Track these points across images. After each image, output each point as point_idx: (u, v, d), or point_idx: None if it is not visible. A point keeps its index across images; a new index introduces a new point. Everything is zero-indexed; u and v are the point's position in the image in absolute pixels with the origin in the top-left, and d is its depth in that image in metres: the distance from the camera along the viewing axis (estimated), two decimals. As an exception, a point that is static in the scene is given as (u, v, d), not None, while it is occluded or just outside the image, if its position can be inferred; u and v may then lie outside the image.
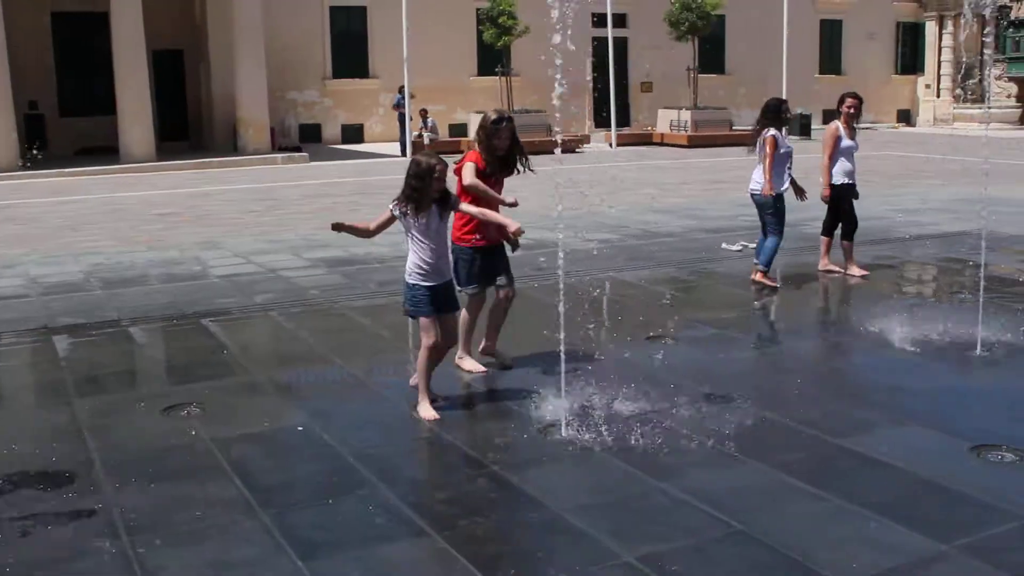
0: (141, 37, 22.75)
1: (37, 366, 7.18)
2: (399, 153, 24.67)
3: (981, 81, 35.52)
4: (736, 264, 10.09)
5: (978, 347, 6.82)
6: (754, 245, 9.65)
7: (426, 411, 5.65)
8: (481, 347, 6.62)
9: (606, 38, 26.30)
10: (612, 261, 10.23)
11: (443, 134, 27.22)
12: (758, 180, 8.94)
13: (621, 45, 30.17)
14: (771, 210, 8.96)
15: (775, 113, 8.94)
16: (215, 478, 4.86)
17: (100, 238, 12.82)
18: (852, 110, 9.29)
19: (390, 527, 4.31)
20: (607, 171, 20.14)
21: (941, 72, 37.37)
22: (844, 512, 4.37)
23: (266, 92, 25.03)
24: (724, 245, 11.13)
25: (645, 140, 28.74)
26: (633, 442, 5.16)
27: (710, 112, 28.66)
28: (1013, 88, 35.81)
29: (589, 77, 27.80)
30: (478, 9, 27.84)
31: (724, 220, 13.07)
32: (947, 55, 37.14)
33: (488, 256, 6.31)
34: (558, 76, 5.39)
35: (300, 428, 5.58)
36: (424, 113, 26.01)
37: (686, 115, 28.22)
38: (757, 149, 8.99)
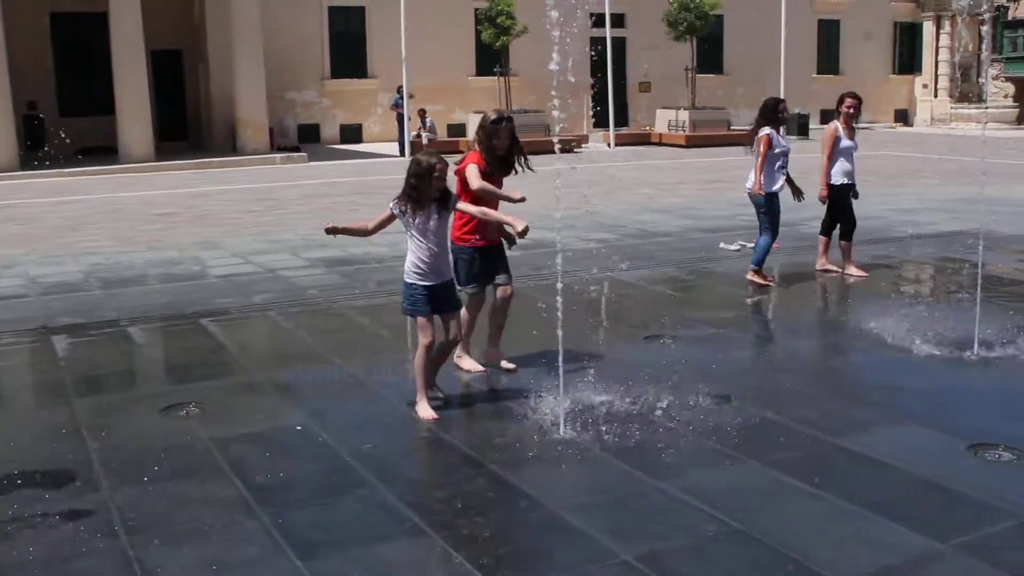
0: (140, 37, 22.74)
1: (36, 366, 7.18)
2: (398, 153, 24.68)
3: (977, 80, 35.56)
4: (734, 264, 10.10)
5: (975, 346, 6.83)
6: (752, 245, 9.67)
7: (424, 411, 5.66)
8: (485, 354, 6.58)
9: (604, 38, 26.30)
10: (610, 260, 10.24)
11: (441, 134, 27.23)
12: (752, 179, 8.97)
13: (619, 45, 30.18)
14: (763, 209, 8.99)
15: (772, 112, 8.96)
16: (214, 478, 4.87)
17: (99, 238, 12.83)
18: (851, 110, 9.29)
19: (389, 526, 4.32)
20: (605, 171, 20.16)
21: (938, 72, 37.40)
22: (842, 511, 4.38)
23: (265, 92, 25.04)
24: (722, 245, 11.15)
25: (643, 140, 28.75)
26: (631, 441, 5.17)
27: (708, 112, 28.68)
28: (1010, 88, 35.83)
29: (588, 77, 27.79)
30: (476, 9, 27.84)
31: (722, 220, 13.09)
32: (944, 55, 37.17)
33: (487, 256, 6.32)
34: (555, 72, 5.39)
35: (299, 428, 5.59)
36: (422, 113, 26.02)
37: (684, 115, 28.24)
38: (753, 148, 9.02)
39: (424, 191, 5.51)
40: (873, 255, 10.36)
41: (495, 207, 6.07)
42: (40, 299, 9.11)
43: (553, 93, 5.35)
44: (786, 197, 9.22)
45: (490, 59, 27.40)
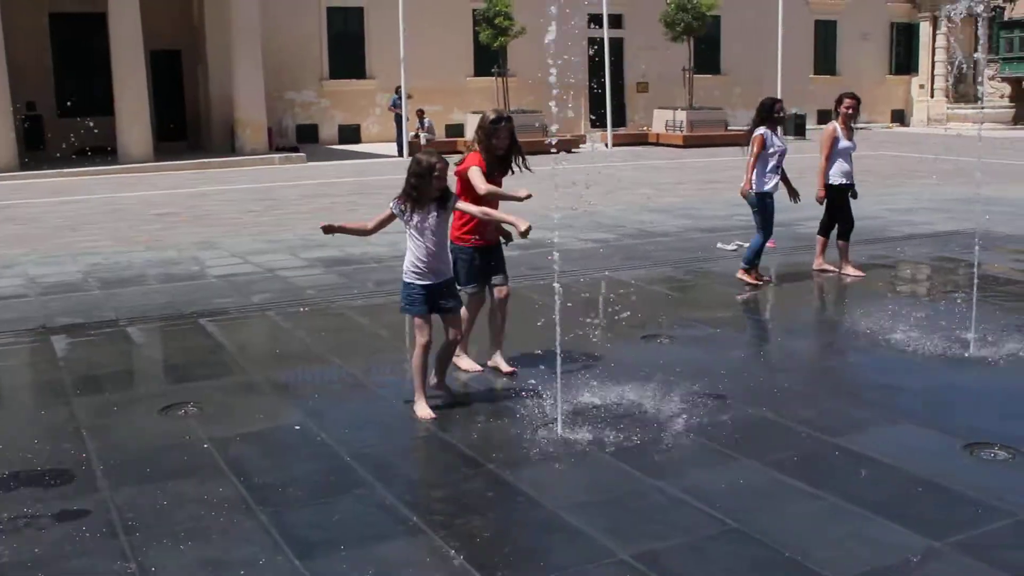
0: (139, 38, 22.74)
1: (35, 366, 7.19)
2: (396, 153, 24.69)
3: (975, 81, 35.57)
4: (731, 263, 10.11)
5: (971, 346, 6.85)
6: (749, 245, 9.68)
7: (422, 410, 5.67)
8: (490, 362, 6.55)
9: (602, 38, 26.32)
10: (608, 260, 10.26)
11: (439, 134, 27.23)
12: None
13: (617, 45, 30.19)
14: (757, 208, 9.01)
15: (768, 112, 8.98)
16: (213, 477, 4.88)
17: (99, 238, 12.83)
18: (850, 111, 9.31)
19: (387, 526, 4.33)
20: (602, 171, 20.16)
21: (935, 72, 37.44)
22: (839, 510, 4.39)
23: (263, 92, 25.04)
24: (719, 245, 11.17)
25: (641, 140, 28.76)
26: (630, 441, 5.18)
27: (705, 112, 28.71)
28: (1006, 88, 35.86)
29: (585, 77, 27.82)
30: (474, 10, 27.86)
31: (719, 220, 13.11)
32: (940, 55, 37.21)
33: (487, 255, 6.33)
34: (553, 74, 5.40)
35: (297, 427, 5.60)
36: (420, 113, 26.02)
37: (682, 115, 28.26)
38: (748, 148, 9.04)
39: (424, 190, 5.53)
40: (870, 255, 10.38)
41: (496, 206, 6.09)
42: (39, 299, 9.12)
43: (552, 97, 5.36)
44: (782, 197, 9.24)
45: (488, 60, 27.41)
